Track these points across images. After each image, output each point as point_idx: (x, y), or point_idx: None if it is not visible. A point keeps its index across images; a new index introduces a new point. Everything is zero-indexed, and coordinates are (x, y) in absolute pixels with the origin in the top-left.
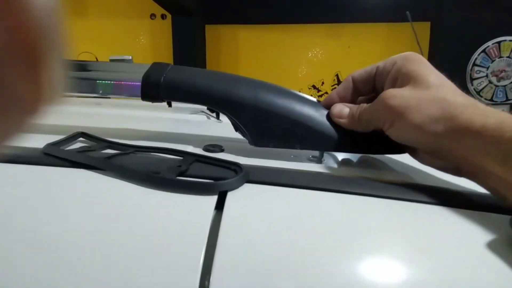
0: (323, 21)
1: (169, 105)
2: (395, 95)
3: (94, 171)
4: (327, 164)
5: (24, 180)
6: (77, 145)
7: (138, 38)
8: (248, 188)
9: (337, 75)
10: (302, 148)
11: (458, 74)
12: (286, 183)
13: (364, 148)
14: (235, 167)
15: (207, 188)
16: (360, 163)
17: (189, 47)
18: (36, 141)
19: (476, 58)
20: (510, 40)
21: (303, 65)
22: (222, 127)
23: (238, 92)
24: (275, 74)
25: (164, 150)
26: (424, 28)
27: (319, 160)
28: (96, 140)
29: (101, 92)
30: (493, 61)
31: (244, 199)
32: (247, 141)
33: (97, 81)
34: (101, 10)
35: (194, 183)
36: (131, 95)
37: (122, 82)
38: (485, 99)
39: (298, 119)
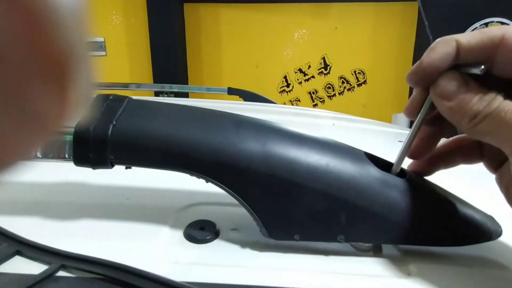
0: (308, 0)
1: (128, 167)
2: None
3: None
4: (389, 263)
5: None
6: None
7: (110, 17)
8: None
9: (323, 58)
10: (347, 241)
11: None
12: None
13: (441, 239)
14: None
15: None
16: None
17: (166, 27)
18: None
19: None
20: (498, 22)
21: (289, 47)
22: None
23: (240, 150)
24: (259, 57)
25: (114, 271)
26: (412, 8)
27: (372, 252)
28: None
29: None
30: None
31: None
32: None
33: None
34: None
35: None
36: (56, 157)
37: None
38: None
39: (342, 195)
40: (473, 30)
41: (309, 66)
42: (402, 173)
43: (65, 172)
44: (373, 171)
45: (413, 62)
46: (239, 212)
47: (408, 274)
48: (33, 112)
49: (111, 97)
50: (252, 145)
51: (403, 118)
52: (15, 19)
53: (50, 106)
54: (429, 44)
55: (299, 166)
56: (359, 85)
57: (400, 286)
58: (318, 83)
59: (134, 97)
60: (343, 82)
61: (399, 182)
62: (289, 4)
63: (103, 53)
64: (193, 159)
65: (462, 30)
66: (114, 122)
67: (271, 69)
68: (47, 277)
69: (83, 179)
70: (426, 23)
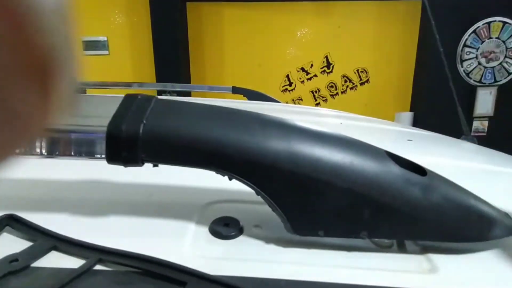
0: None
1: (155, 165)
2: None
3: None
4: (412, 258)
5: None
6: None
7: (113, 16)
8: None
9: (326, 57)
10: (370, 237)
11: (447, 55)
12: None
13: (461, 235)
14: None
15: None
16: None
17: (169, 26)
18: None
19: (466, 39)
20: (499, 21)
21: (292, 46)
22: None
23: (266, 148)
24: (261, 56)
25: (151, 265)
26: (415, 7)
27: (394, 245)
28: (31, 232)
29: (42, 152)
30: (483, 42)
31: None
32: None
33: None
34: None
35: None
36: (89, 154)
37: (73, 136)
38: (474, 80)
39: (365, 192)
40: (475, 29)
41: (312, 65)
42: (422, 171)
43: (90, 171)
44: (395, 169)
45: (416, 61)
46: (260, 209)
47: (432, 269)
48: (16, 113)
49: (139, 97)
50: (278, 144)
51: (406, 117)
52: (2, 22)
53: (32, 107)
54: (436, 43)
55: (323, 163)
56: (362, 84)
57: (425, 282)
58: (321, 82)
59: (159, 97)
60: (345, 81)
61: (421, 179)
62: (292, 2)
63: (106, 52)
64: (221, 158)
65: (465, 29)
66: (144, 121)
67: (273, 68)
68: (86, 270)
69: (109, 177)
70: (433, 22)
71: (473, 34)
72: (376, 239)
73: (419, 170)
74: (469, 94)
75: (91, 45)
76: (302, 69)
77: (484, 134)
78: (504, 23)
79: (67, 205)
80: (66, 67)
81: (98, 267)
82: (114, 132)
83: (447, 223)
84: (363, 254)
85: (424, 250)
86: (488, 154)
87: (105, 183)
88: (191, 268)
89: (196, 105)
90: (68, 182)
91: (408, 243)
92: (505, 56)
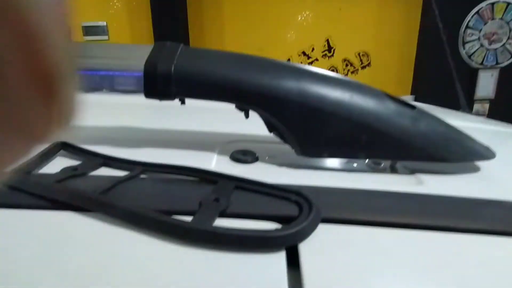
0: None
1: (183, 102)
2: None
3: (86, 215)
4: (403, 176)
5: None
6: (56, 164)
7: (112, 1)
8: (324, 234)
9: (327, 41)
10: (367, 158)
11: (449, 38)
12: (375, 220)
13: (444, 156)
14: (296, 198)
15: (271, 243)
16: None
17: (169, 10)
18: None
19: (469, 20)
20: (503, 1)
21: (292, 29)
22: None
23: (280, 84)
24: (262, 40)
25: (187, 171)
26: None
27: (387, 168)
28: (83, 154)
29: (86, 87)
30: (486, 23)
31: (324, 255)
32: (283, 141)
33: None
34: None
35: (251, 237)
36: (128, 90)
37: (114, 73)
38: (476, 62)
39: (363, 120)
40: (478, 10)
41: (313, 49)
42: (412, 106)
43: (134, 115)
44: (390, 104)
45: (418, 44)
46: (273, 146)
47: (418, 183)
48: (22, 123)
49: (168, 44)
50: (289, 81)
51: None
52: (12, 37)
53: (38, 117)
54: (437, 26)
55: (327, 97)
56: (363, 67)
57: (412, 189)
58: (322, 66)
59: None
60: (346, 65)
61: (410, 112)
62: None
63: (106, 37)
64: (242, 91)
65: (468, 10)
66: (175, 62)
67: (274, 52)
68: (133, 176)
69: (146, 122)
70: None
71: (476, 15)
72: (372, 164)
73: (410, 106)
74: (470, 77)
75: (90, 30)
76: (303, 53)
77: (485, 116)
78: (508, 3)
79: (109, 140)
80: (69, 79)
81: (142, 176)
82: (150, 71)
83: (432, 146)
84: (361, 173)
85: (413, 172)
86: (485, 119)
87: (143, 127)
88: (219, 172)
89: (217, 51)
90: (111, 126)
91: (399, 167)
92: (508, 38)
